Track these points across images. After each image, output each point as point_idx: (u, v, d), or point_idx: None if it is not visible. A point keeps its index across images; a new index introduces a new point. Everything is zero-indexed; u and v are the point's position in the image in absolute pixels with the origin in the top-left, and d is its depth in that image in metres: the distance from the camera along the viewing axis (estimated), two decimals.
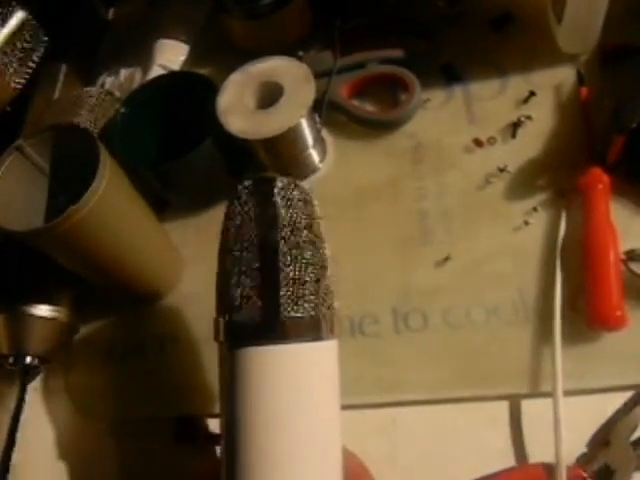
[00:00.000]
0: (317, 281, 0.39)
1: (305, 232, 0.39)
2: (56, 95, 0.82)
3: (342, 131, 0.67)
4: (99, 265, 0.57)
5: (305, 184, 0.63)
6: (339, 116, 0.67)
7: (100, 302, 0.64)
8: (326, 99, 0.65)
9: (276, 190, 0.39)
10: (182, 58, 0.79)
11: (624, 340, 0.49)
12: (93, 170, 0.50)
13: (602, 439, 0.47)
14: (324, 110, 0.65)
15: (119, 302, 0.64)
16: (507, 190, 0.58)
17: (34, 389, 0.63)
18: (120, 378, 0.62)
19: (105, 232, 0.53)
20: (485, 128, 0.62)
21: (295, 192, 0.40)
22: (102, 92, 0.72)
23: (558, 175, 0.57)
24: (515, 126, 0.61)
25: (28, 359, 0.59)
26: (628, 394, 0.48)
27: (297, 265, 0.38)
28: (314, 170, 0.66)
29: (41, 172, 0.56)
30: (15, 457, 0.57)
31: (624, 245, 0.51)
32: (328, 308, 0.40)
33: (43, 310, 0.59)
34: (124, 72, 0.80)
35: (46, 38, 0.75)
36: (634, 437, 0.47)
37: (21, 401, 0.59)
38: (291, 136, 0.60)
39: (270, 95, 0.60)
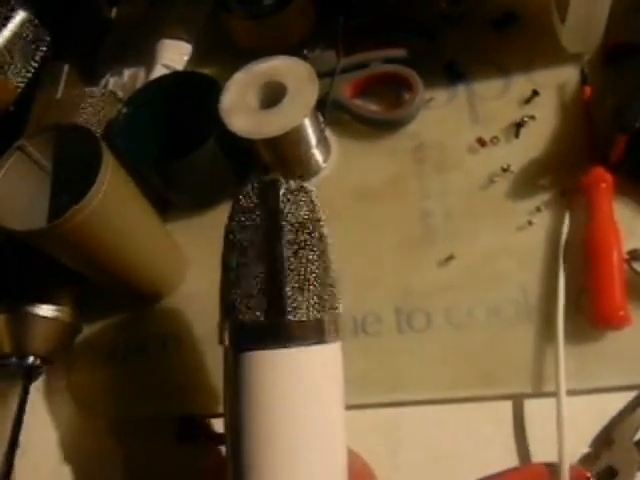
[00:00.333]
0: (322, 284, 0.39)
1: (310, 235, 0.39)
2: (58, 95, 0.82)
3: (345, 131, 0.67)
4: (102, 265, 0.57)
5: (308, 184, 0.64)
6: (342, 116, 0.67)
7: (102, 302, 0.64)
8: (329, 99, 0.65)
9: (282, 193, 0.39)
10: (185, 58, 0.79)
11: (627, 339, 0.49)
12: (95, 170, 0.50)
13: (605, 439, 0.47)
14: (327, 110, 0.65)
15: (121, 302, 0.64)
16: (510, 190, 0.58)
17: (36, 389, 0.63)
18: (122, 378, 0.62)
19: (108, 232, 0.53)
20: (488, 128, 0.62)
21: (301, 195, 0.40)
22: (105, 92, 0.72)
23: (561, 175, 0.57)
24: (518, 126, 0.61)
25: (30, 359, 0.59)
26: (632, 394, 0.48)
27: (302, 269, 0.38)
28: (317, 170, 0.66)
29: (43, 172, 0.56)
30: (18, 457, 0.57)
31: (627, 245, 0.51)
32: (332, 311, 0.39)
33: (45, 310, 0.59)
34: (127, 72, 0.81)
35: (48, 38, 0.75)
36: (638, 437, 0.47)
37: (23, 401, 0.59)
38: (294, 136, 0.60)
39: (273, 95, 0.60)
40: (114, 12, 0.91)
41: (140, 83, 0.77)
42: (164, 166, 0.63)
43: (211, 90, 0.62)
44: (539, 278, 0.54)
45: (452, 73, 0.67)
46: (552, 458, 0.46)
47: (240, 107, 0.61)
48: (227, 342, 0.39)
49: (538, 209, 0.56)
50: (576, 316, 0.50)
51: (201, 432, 0.57)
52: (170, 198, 0.68)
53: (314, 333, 0.38)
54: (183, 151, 0.60)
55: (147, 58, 0.79)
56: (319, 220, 0.40)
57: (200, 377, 0.58)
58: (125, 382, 0.61)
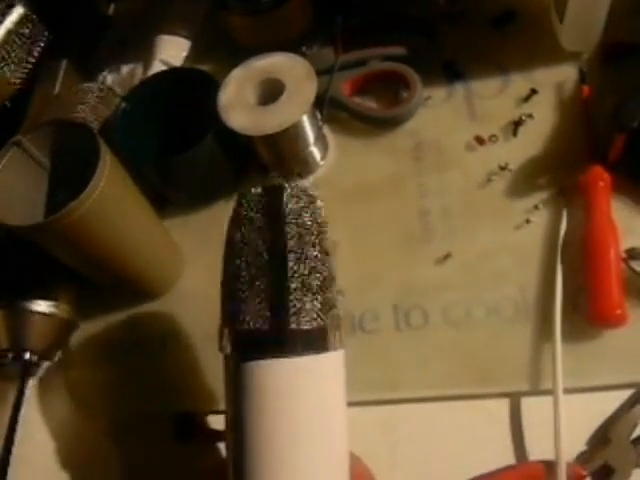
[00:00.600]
0: (325, 292, 0.38)
1: (313, 242, 0.39)
2: (56, 91, 0.82)
3: (343, 128, 0.67)
4: (99, 261, 0.56)
5: (306, 181, 0.64)
6: (340, 113, 0.67)
7: (100, 299, 0.64)
8: (327, 96, 0.65)
9: (285, 199, 0.39)
10: (183, 54, 0.78)
11: (624, 338, 0.49)
12: (93, 166, 0.49)
13: (602, 437, 0.47)
14: (325, 107, 0.64)
15: (119, 299, 0.64)
16: (508, 188, 0.58)
17: (34, 386, 0.63)
18: (120, 375, 0.62)
19: (105, 228, 0.53)
20: (486, 126, 0.62)
21: (304, 201, 0.39)
22: (103, 88, 0.71)
23: (559, 173, 0.57)
24: (516, 124, 0.61)
25: (27, 355, 0.59)
26: (628, 392, 0.48)
27: (306, 276, 0.38)
28: (315, 167, 0.66)
29: (41, 167, 0.56)
30: (15, 453, 0.57)
31: (625, 243, 0.51)
32: (335, 318, 0.39)
33: (43, 306, 0.59)
34: (125, 68, 0.80)
35: (46, 33, 0.75)
36: (634, 435, 0.47)
37: (20, 397, 0.59)
38: (292, 133, 0.60)
39: (272, 91, 0.60)
40: (112, 8, 0.90)
41: (138, 79, 0.77)
42: (162, 162, 0.63)
43: (209, 86, 0.62)
44: (537, 276, 0.54)
45: (450, 71, 0.67)
46: (549, 456, 0.46)
47: (238, 103, 0.61)
48: (228, 350, 0.38)
49: (536, 207, 0.56)
50: (573, 314, 0.50)
51: (199, 429, 0.57)
52: (167, 195, 0.68)
53: (317, 341, 0.38)
54: (181, 147, 0.60)
55: (145, 54, 0.79)
56: (323, 226, 0.40)
57: (198, 374, 0.59)
58: (123, 379, 0.61)
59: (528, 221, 0.56)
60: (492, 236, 0.56)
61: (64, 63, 0.85)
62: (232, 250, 0.39)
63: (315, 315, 0.38)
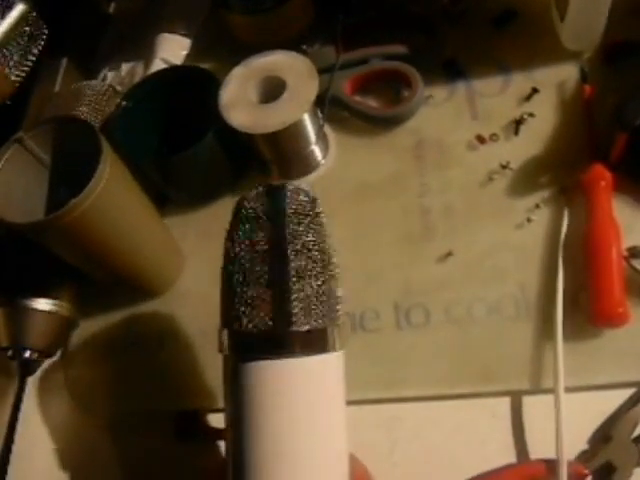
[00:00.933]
0: (326, 293, 0.38)
1: (315, 244, 0.38)
2: (56, 89, 0.82)
3: (344, 127, 0.67)
4: (99, 259, 0.56)
5: (307, 180, 0.64)
6: (341, 112, 0.67)
7: (100, 297, 0.64)
8: (328, 95, 0.65)
9: (286, 200, 0.38)
10: (184, 52, 0.78)
11: (626, 337, 0.49)
12: (94, 163, 0.49)
13: (603, 436, 0.47)
14: (326, 106, 0.64)
15: (119, 297, 0.64)
16: (509, 187, 0.58)
17: (33, 384, 0.63)
18: (119, 373, 0.62)
19: (106, 225, 0.53)
20: (488, 125, 0.62)
21: (305, 202, 0.39)
22: (103, 86, 0.71)
23: (560, 172, 0.57)
24: (518, 123, 0.61)
25: (27, 353, 0.59)
26: (630, 391, 0.48)
27: (307, 277, 0.37)
28: (316, 166, 0.66)
29: (42, 165, 0.56)
30: (14, 451, 0.57)
31: (626, 242, 0.51)
32: (335, 320, 0.39)
33: (43, 304, 0.59)
34: (125, 66, 0.80)
35: (46, 31, 0.75)
36: (635, 434, 0.47)
37: (20, 395, 0.59)
38: (294, 131, 0.60)
39: (273, 89, 0.60)
40: (113, 6, 0.90)
41: (138, 77, 0.77)
42: (162, 160, 0.63)
43: (210, 84, 0.62)
44: (538, 275, 0.53)
45: (452, 70, 0.66)
46: (550, 455, 0.46)
47: (239, 102, 0.61)
48: (228, 351, 0.38)
49: (537, 206, 0.56)
50: (575, 313, 0.50)
51: (199, 428, 0.57)
52: (168, 193, 0.68)
53: (317, 343, 0.38)
54: (182, 145, 0.60)
55: (146, 52, 0.79)
56: (324, 227, 0.40)
57: (197, 373, 0.58)
58: (122, 377, 0.61)
59: (529, 220, 0.56)
60: (493, 235, 0.56)
61: (64, 61, 0.85)
62: (232, 250, 0.39)
63: (315, 316, 0.37)
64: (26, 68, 0.73)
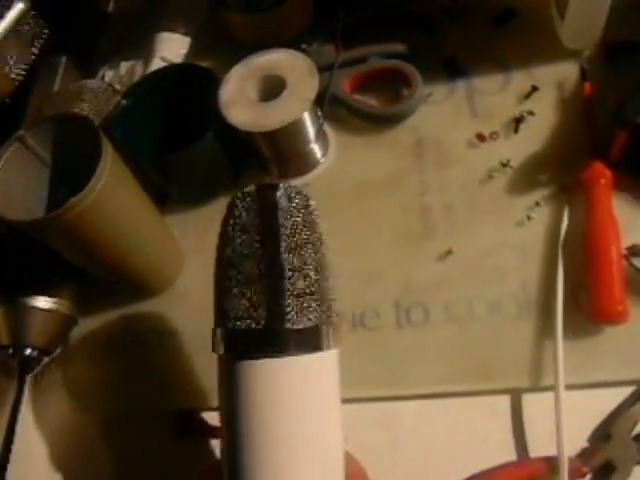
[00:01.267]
0: (319, 291, 0.38)
1: (308, 241, 0.38)
2: (56, 87, 0.82)
3: (344, 126, 0.67)
4: (100, 257, 0.56)
5: (307, 178, 0.64)
6: (341, 110, 0.67)
7: (100, 295, 0.64)
8: (328, 93, 0.65)
9: (279, 198, 0.38)
10: (183, 51, 0.78)
11: (626, 335, 0.49)
12: (95, 161, 0.49)
13: (603, 434, 0.48)
14: (326, 104, 0.64)
15: (118, 296, 0.64)
16: (509, 185, 0.58)
17: (33, 382, 0.63)
18: (119, 371, 0.62)
19: (106, 224, 0.53)
20: (488, 123, 0.62)
21: (297, 200, 0.39)
22: (103, 84, 0.71)
23: (560, 170, 0.57)
24: (518, 121, 0.61)
25: (27, 351, 0.59)
26: (630, 389, 0.48)
27: (300, 275, 0.37)
28: (316, 165, 0.66)
29: (42, 163, 0.56)
30: (14, 449, 0.56)
31: (626, 240, 0.51)
32: (330, 317, 0.39)
33: (43, 302, 0.59)
34: (125, 65, 0.80)
35: (46, 30, 0.75)
36: (635, 432, 0.47)
37: (20, 393, 0.59)
38: (293, 130, 0.60)
39: (273, 88, 0.60)
40: (112, 5, 0.90)
41: (138, 76, 0.77)
42: (162, 159, 0.63)
43: (210, 83, 0.62)
44: (538, 273, 0.54)
45: (451, 68, 0.66)
46: (550, 453, 0.47)
47: (239, 100, 0.61)
48: (222, 350, 0.38)
49: (537, 204, 0.56)
50: (575, 311, 0.50)
51: (198, 426, 0.57)
52: (168, 191, 0.68)
53: (311, 341, 0.37)
54: (181, 144, 0.60)
55: (145, 51, 0.78)
56: (317, 225, 0.40)
57: (196, 371, 0.58)
58: (121, 376, 0.61)
59: (529, 218, 0.56)
60: (493, 233, 0.56)
61: (64, 60, 0.85)
62: (225, 248, 0.39)
63: (309, 314, 0.37)
64: (26, 67, 0.73)
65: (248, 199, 0.39)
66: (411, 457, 0.51)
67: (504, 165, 0.59)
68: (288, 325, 0.36)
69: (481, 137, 0.61)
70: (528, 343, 0.51)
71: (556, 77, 0.62)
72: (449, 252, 0.57)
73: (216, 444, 0.56)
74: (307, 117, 0.60)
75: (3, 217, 0.49)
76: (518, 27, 0.67)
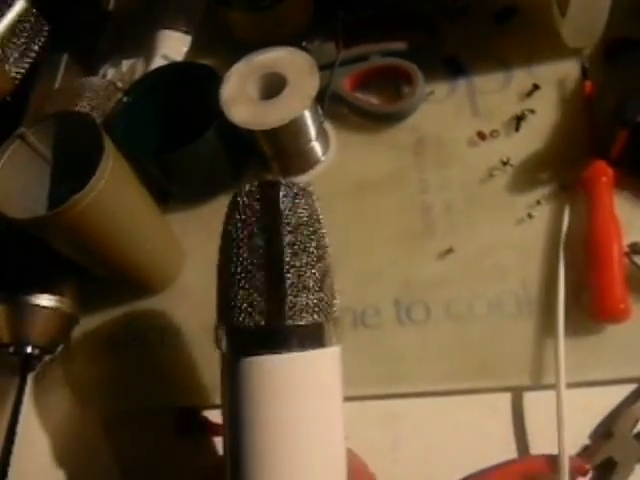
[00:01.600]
0: (321, 287, 0.38)
1: (310, 237, 0.38)
2: (57, 85, 0.82)
3: (345, 124, 0.67)
4: (101, 255, 0.56)
5: (307, 176, 0.64)
6: (342, 109, 0.67)
7: (101, 293, 0.64)
8: (329, 91, 0.65)
9: (281, 195, 0.38)
10: (184, 49, 0.78)
11: (627, 332, 0.49)
12: (96, 159, 0.49)
13: (605, 431, 0.48)
14: (327, 102, 0.64)
15: (119, 294, 0.64)
16: (510, 183, 0.58)
17: (34, 380, 0.63)
18: (120, 369, 0.62)
19: (107, 221, 0.53)
20: (488, 121, 0.62)
21: (300, 196, 0.39)
22: (104, 82, 0.71)
23: (561, 168, 0.57)
24: (518, 119, 0.61)
25: (29, 349, 0.58)
26: (631, 387, 0.48)
27: (301, 271, 0.37)
28: (316, 162, 0.66)
29: (44, 160, 0.56)
30: (16, 447, 0.56)
31: (627, 238, 0.51)
32: (331, 314, 0.39)
33: (44, 300, 0.58)
34: (126, 63, 0.80)
35: (47, 27, 0.75)
36: (637, 429, 0.47)
37: (21, 391, 0.59)
38: (294, 127, 0.60)
39: (274, 86, 0.60)
40: (113, 3, 0.90)
41: (139, 74, 0.77)
42: (163, 157, 0.63)
43: (211, 81, 0.62)
44: (539, 271, 0.54)
45: (452, 67, 0.66)
46: (551, 450, 0.46)
47: (240, 98, 0.61)
48: (224, 347, 0.38)
49: (538, 202, 0.56)
50: (576, 309, 0.50)
51: (200, 423, 0.57)
52: (169, 189, 0.68)
53: (313, 337, 0.37)
54: (183, 141, 0.60)
55: (146, 49, 0.78)
56: (319, 222, 0.40)
57: (198, 369, 0.59)
58: (123, 374, 0.61)
59: (530, 216, 0.56)
60: (494, 231, 0.56)
61: (65, 57, 0.85)
62: (227, 246, 0.39)
63: (311, 311, 0.37)
64: (26, 64, 0.73)
65: (250, 196, 0.39)
66: (411, 455, 0.51)
67: (505, 163, 0.59)
68: (290, 322, 0.36)
69: (482, 135, 0.61)
70: (529, 341, 0.51)
71: (557, 75, 0.62)
72: (450, 250, 0.57)
73: (218, 442, 0.56)
74: (308, 115, 0.60)
75: (4, 215, 0.49)
76: (519, 25, 0.66)
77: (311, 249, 0.38)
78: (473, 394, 0.51)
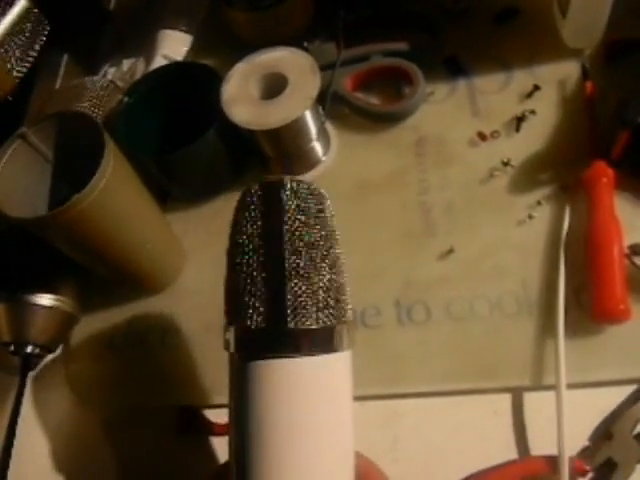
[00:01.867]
0: (329, 290, 0.37)
1: (319, 238, 0.38)
2: (57, 85, 0.82)
3: (346, 124, 0.67)
4: (101, 254, 0.56)
5: (308, 176, 0.64)
6: (343, 109, 0.67)
7: (101, 292, 0.64)
8: (330, 91, 0.65)
9: (286, 196, 0.38)
10: (185, 49, 0.78)
11: (627, 333, 0.49)
12: (97, 158, 0.49)
13: (605, 432, 0.48)
14: (328, 102, 0.64)
15: (120, 293, 0.64)
16: (511, 184, 0.58)
17: (34, 379, 0.63)
18: (120, 369, 0.62)
19: (108, 221, 0.53)
20: (489, 122, 0.62)
21: (306, 197, 0.38)
22: (104, 82, 0.71)
23: (562, 169, 0.57)
24: (519, 120, 0.61)
25: (29, 348, 0.58)
26: (631, 388, 0.48)
27: (310, 273, 0.37)
28: (317, 163, 0.66)
29: (45, 160, 0.56)
30: (16, 446, 0.56)
31: (628, 239, 0.51)
32: (342, 318, 0.38)
33: (45, 299, 0.58)
34: (126, 62, 0.80)
35: (48, 27, 0.75)
36: (637, 430, 0.47)
37: (21, 390, 0.59)
38: (295, 127, 0.60)
39: (275, 86, 0.60)
40: (113, 2, 0.90)
41: (140, 74, 0.77)
42: (164, 156, 0.63)
43: (212, 81, 0.62)
44: (539, 272, 0.54)
45: (453, 67, 0.66)
46: (551, 451, 0.47)
47: (241, 98, 0.61)
48: (233, 349, 0.37)
49: (539, 203, 0.56)
50: (576, 310, 0.51)
51: (201, 423, 0.57)
52: (170, 189, 0.68)
53: (323, 341, 0.37)
54: (183, 142, 0.60)
55: (146, 49, 0.78)
56: (328, 221, 0.39)
57: (198, 368, 0.59)
58: (123, 373, 0.61)
59: (531, 217, 0.56)
60: (494, 231, 0.57)
61: (65, 57, 0.85)
62: (235, 247, 0.38)
63: (321, 314, 0.37)
64: (27, 64, 0.73)
65: (255, 198, 0.38)
66: (412, 455, 0.51)
67: (505, 164, 0.59)
68: (298, 325, 0.36)
69: (482, 136, 0.61)
70: (529, 342, 0.51)
71: (558, 76, 0.62)
72: (450, 251, 0.57)
73: (218, 441, 0.56)
74: (309, 115, 0.60)
75: (5, 214, 0.49)
76: (520, 26, 0.67)
77: (321, 250, 0.38)
78: (473, 394, 0.51)
